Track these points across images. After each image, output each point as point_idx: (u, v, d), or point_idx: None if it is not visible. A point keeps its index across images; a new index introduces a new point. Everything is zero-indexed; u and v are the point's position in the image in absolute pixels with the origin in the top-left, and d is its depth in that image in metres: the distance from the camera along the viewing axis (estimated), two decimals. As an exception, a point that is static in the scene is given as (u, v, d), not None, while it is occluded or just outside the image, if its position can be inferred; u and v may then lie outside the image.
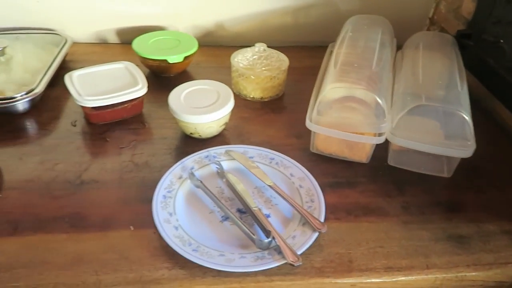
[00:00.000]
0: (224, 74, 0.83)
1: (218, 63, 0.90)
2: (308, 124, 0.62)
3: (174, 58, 0.80)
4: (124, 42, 0.97)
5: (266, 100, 0.79)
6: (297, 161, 0.62)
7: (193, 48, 0.83)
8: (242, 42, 0.97)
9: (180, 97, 0.66)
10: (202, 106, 0.64)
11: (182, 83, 0.83)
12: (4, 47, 0.76)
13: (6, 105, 0.68)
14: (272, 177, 0.59)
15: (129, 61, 0.76)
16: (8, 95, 0.69)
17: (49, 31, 0.89)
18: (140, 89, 0.68)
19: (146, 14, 0.93)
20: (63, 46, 0.84)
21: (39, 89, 0.70)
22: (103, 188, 0.57)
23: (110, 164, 0.62)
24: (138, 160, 0.63)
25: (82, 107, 0.67)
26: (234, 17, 0.95)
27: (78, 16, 0.92)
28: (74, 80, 0.69)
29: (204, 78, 0.84)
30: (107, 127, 0.69)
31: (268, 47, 0.80)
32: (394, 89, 0.68)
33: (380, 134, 0.61)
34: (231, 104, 0.65)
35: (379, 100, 0.60)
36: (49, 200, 0.55)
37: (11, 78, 0.74)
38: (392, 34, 0.79)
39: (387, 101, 0.63)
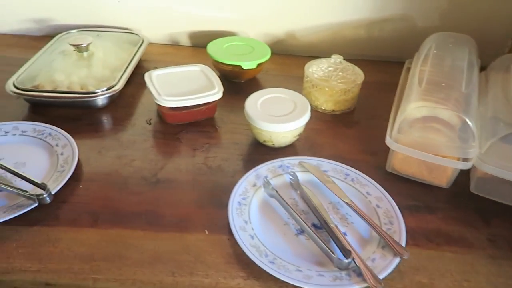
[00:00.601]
0: (293, 83, 0.82)
1: (287, 71, 0.90)
2: (388, 141, 0.60)
3: (248, 64, 0.80)
4: (194, 45, 0.99)
5: (337, 113, 0.77)
6: (372, 179, 0.60)
7: (266, 55, 0.82)
8: (312, 52, 0.96)
9: (256, 104, 0.65)
10: (278, 115, 0.63)
11: (252, 89, 0.82)
12: (88, 44, 0.79)
13: (88, 99, 0.70)
14: (347, 193, 0.57)
15: (200, 63, 0.77)
16: (90, 89, 0.72)
17: (127, 31, 0.92)
18: (216, 92, 0.69)
19: (218, 19, 0.95)
20: (140, 46, 0.86)
21: (119, 86, 0.72)
22: (178, 188, 0.58)
23: (184, 165, 0.62)
24: (211, 164, 0.63)
25: (159, 106, 0.68)
26: (306, 27, 0.95)
27: (154, 18, 0.95)
28: (153, 79, 0.71)
29: (274, 86, 0.83)
30: (180, 128, 0.70)
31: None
32: (480, 112, 0.64)
33: (465, 159, 0.58)
34: (307, 115, 0.64)
35: (470, 124, 0.56)
36: (127, 195, 0.56)
37: (92, 73, 0.76)
38: (477, 54, 0.75)
39: (477, 126, 0.59)
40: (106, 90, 0.71)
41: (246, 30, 0.96)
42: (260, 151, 0.66)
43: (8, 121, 0.66)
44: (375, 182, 0.58)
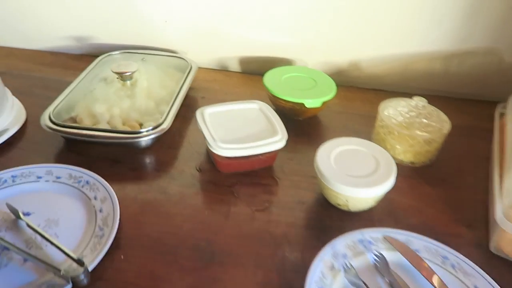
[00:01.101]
0: (361, 124, 0.72)
1: (352, 108, 0.79)
2: (500, 220, 0.48)
3: (312, 103, 0.69)
4: (245, 72, 0.89)
5: (416, 165, 0.65)
6: (474, 263, 0.48)
7: (332, 91, 0.72)
8: (377, 85, 0.85)
9: (329, 158, 0.55)
10: (359, 176, 0.52)
11: (313, 129, 0.73)
12: (133, 72, 0.70)
13: (131, 140, 0.61)
14: (450, 286, 0.45)
15: (252, 93, 0.68)
16: (132, 124, 0.63)
17: (173, 55, 0.84)
18: (279, 140, 0.58)
19: (273, 44, 0.85)
20: (188, 74, 0.77)
21: (166, 124, 0.63)
22: (238, 266, 0.47)
23: (244, 231, 0.52)
24: (275, 230, 0.52)
25: (212, 153, 0.58)
26: (372, 57, 0.83)
27: (202, 40, 0.86)
28: (206, 119, 0.61)
29: (338, 126, 0.74)
30: (234, 178, 0.60)
31: (413, 95, 0.66)
32: None
33: None
34: (393, 177, 0.53)
35: None
36: (178, 272, 0.46)
37: (135, 105, 0.68)
38: None
39: None
40: (152, 129, 0.61)
41: (303, 58, 0.86)
42: (331, 216, 0.55)
43: (41, 163, 0.58)
44: (484, 273, 0.46)
